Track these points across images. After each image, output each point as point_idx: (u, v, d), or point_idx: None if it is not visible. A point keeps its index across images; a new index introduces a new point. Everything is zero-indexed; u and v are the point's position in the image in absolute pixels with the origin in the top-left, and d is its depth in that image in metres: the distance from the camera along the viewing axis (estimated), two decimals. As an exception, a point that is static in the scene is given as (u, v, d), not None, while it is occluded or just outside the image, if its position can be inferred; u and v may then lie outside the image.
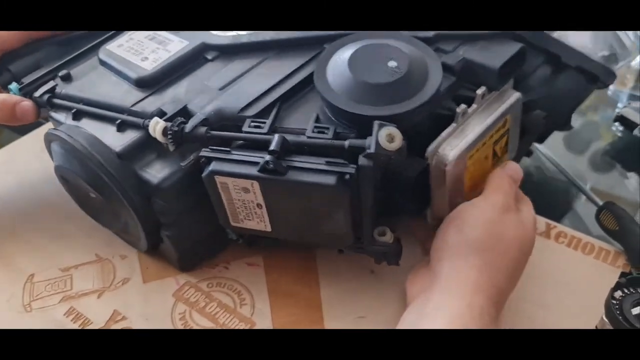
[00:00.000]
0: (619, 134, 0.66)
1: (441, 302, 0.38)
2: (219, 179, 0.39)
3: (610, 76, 0.52)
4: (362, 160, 0.36)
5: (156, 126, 0.40)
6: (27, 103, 0.46)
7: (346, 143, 0.37)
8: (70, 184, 0.48)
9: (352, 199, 0.38)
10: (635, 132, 0.61)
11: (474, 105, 0.42)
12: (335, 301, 0.46)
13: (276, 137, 0.38)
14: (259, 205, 0.40)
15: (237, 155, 0.39)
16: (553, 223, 0.52)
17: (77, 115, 0.45)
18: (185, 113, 0.42)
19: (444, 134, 0.41)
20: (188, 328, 0.45)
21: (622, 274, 0.42)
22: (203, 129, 0.40)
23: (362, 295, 0.46)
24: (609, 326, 0.39)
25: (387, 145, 0.35)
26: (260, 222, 0.41)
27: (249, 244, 0.47)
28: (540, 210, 0.55)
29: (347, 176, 0.36)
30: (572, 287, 0.46)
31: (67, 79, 0.47)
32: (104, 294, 0.48)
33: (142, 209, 0.43)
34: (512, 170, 0.45)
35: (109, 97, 0.45)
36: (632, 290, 0.41)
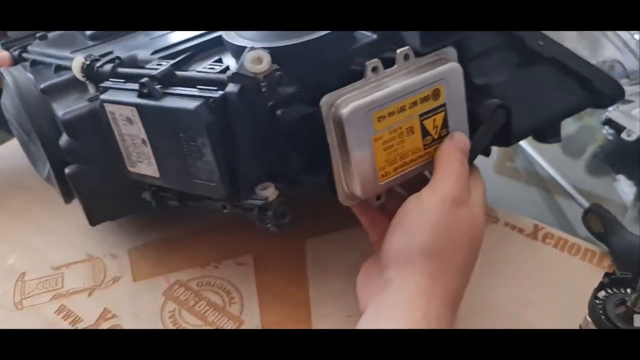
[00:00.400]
0: (610, 137, 0.67)
1: (395, 313, 0.36)
2: (107, 108, 0.40)
3: (608, 83, 0.46)
4: (229, 86, 0.35)
5: (76, 63, 0.42)
6: (4, 53, 0.50)
7: (226, 75, 0.36)
8: (15, 129, 0.49)
9: (219, 130, 0.36)
10: (623, 135, 0.62)
11: (395, 67, 0.39)
12: (323, 300, 0.46)
13: (164, 65, 0.39)
14: (144, 142, 0.40)
15: (128, 85, 0.39)
16: (540, 224, 0.52)
17: (34, 64, 0.48)
18: (120, 58, 0.43)
19: (348, 86, 0.37)
20: (177, 326, 0.45)
21: (606, 275, 0.42)
22: (111, 65, 0.41)
23: (350, 295, 0.46)
24: (592, 326, 0.40)
25: (251, 67, 0.34)
26: (149, 165, 0.41)
27: (155, 202, 0.45)
28: (528, 211, 0.56)
29: (212, 100, 0.36)
30: (557, 287, 0.47)
31: (43, 38, 0.50)
32: (94, 292, 0.48)
33: (50, 144, 0.43)
34: (461, 142, 0.41)
35: (63, 50, 0.47)
36: (615, 290, 0.42)
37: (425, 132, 0.40)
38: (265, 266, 0.49)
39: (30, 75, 0.45)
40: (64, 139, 0.43)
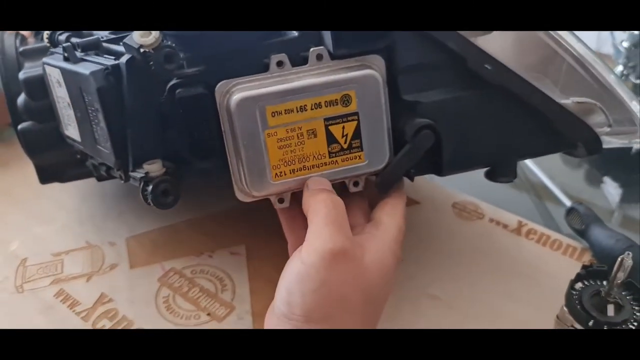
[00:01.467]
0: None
1: None
2: (47, 69, 0.42)
3: (576, 127, 0.40)
4: (122, 57, 0.36)
5: (46, 31, 0.45)
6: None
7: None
8: None
9: (113, 98, 0.37)
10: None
11: (306, 65, 0.37)
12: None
13: (94, 36, 0.41)
14: (69, 105, 0.41)
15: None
16: (524, 220, 0.54)
17: (37, 33, 0.51)
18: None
19: (248, 77, 0.36)
20: (171, 311, 0.47)
21: (583, 267, 0.44)
22: (66, 35, 0.43)
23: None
24: (568, 315, 0.41)
25: (138, 39, 0.34)
26: (74, 129, 0.42)
27: (94, 172, 0.46)
28: (516, 210, 0.57)
29: (105, 68, 0.36)
30: (537, 280, 0.48)
31: None
32: (92, 277, 0.50)
33: (14, 101, 0.46)
34: (317, 183, 0.37)
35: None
36: (591, 282, 0.44)
37: (331, 139, 0.38)
38: (257, 256, 0.51)
39: (15, 40, 0.49)
40: (21, 98, 0.46)
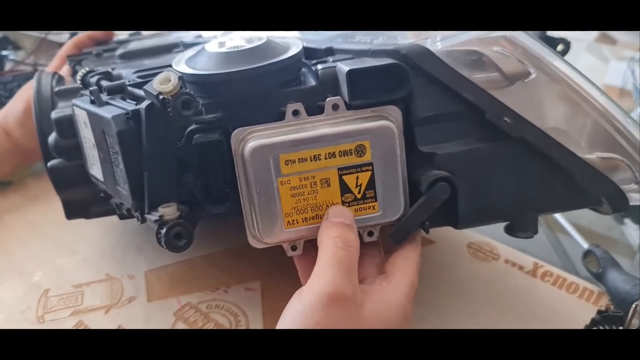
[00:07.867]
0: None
1: None
2: (75, 110, 0.44)
3: (598, 183, 0.39)
4: (142, 103, 0.37)
5: (79, 73, 0.47)
6: (67, 67, 0.60)
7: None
8: None
9: (132, 142, 0.38)
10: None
11: (322, 115, 0.37)
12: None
13: (120, 81, 0.42)
14: (94, 146, 0.42)
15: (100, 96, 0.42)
16: (540, 262, 0.54)
17: (74, 74, 0.54)
18: (110, 74, 0.47)
19: (264, 125, 0.37)
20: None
21: (599, 312, 0.44)
22: (97, 78, 0.44)
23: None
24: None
25: (157, 86, 0.35)
26: (98, 169, 0.43)
27: (117, 210, 0.47)
28: (532, 249, 0.57)
29: (126, 113, 0.38)
30: (552, 323, 0.48)
31: (98, 56, 0.57)
32: (111, 310, 0.51)
33: (45, 139, 0.49)
34: (339, 216, 0.37)
35: (95, 65, 0.52)
36: (607, 327, 0.43)
37: (344, 188, 0.38)
38: (272, 292, 0.52)
39: (52, 80, 0.52)
40: (52, 136, 0.48)
